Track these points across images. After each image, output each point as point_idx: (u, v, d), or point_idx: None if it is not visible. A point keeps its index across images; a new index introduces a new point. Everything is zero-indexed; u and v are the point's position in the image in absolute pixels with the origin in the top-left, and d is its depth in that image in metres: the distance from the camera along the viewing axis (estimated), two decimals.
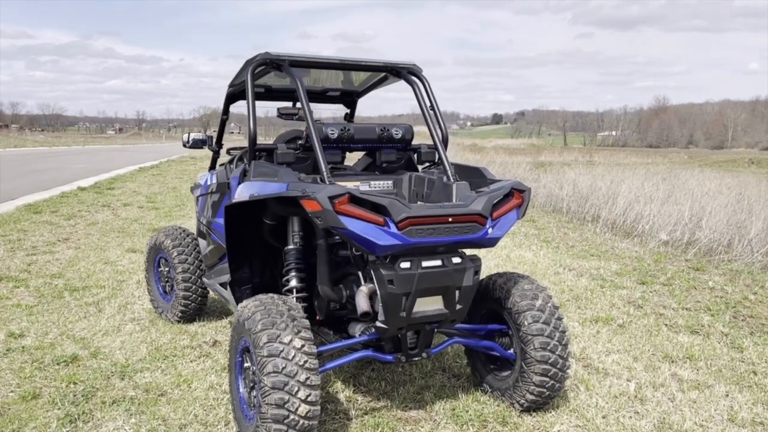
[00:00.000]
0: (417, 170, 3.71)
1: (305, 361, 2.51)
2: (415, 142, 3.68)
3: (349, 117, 4.50)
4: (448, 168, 3.19)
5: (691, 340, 4.38)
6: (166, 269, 4.54)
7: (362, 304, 2.79)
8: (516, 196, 2.95)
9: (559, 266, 6.76)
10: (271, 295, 2.79)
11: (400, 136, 3.52)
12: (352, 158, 4.04)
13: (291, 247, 3.22)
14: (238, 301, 3.43)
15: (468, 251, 2.92)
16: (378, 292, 2.73)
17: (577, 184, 11.84)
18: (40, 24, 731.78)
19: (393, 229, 2.60)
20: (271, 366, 2.48)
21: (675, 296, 5.70)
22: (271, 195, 2.86)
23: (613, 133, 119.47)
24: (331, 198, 2.54)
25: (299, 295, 3.18)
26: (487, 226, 2.79)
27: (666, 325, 4.77)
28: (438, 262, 2.77)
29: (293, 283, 3.18)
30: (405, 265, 2.70)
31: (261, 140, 3.53)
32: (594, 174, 12.85)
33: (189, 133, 4.40)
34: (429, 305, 2.81)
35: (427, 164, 3.64)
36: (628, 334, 4.47)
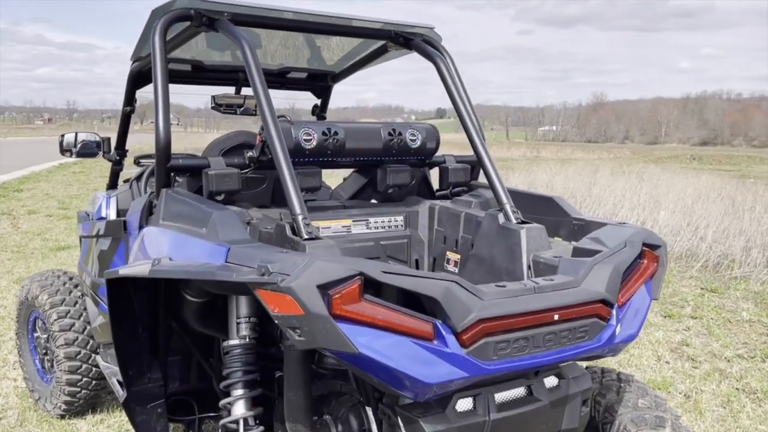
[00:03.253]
0: (434, 196, 2.38)
1: None
2: None
3: (320, 111, 3.12)
4: (504, 198, 1.87)
5: None
6: (45, 336, 3.03)
7: None
8: (648, 258, 1.66)
9: None
10: None
11: (418, 143, 2.17)
12: (328, 175, 2.69)
13: (235, 342, 1.80)
14: (140, 428, 1.98)
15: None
16: None
17: (552, 185, 10.80)
18: None
19: (452, 345, 1.26)
20: None
21: (715, 336, 4.63)
22: (190, 275, 1.46)
23: (554, 128, 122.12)
24: (324, 289, 1.19)
25: (252, 430, 1.78)
26: (613, 323, 1.48)
27: (738, 389, 3.62)
28: (521, 392, 1.46)
29: (239, 410, 1.77)
30: (465, 405, 1.38)
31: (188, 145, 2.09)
32: (566, 175, 11.85)
33: (76, 134, 2.90)
34: None
35: (452, 187, 2.32)
36: (705, 412, 3.28)
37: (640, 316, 1.58)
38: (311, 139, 1.91)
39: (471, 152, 2.12)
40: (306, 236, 1.46)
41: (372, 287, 1.25)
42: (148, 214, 1.86)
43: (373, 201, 2.34)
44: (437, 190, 2.43)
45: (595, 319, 1.44)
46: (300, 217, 1.49)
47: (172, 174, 1.85)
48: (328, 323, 1.18)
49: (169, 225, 1.69)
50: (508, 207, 1.85)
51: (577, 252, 1.63)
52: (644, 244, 1.65)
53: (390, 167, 2.13)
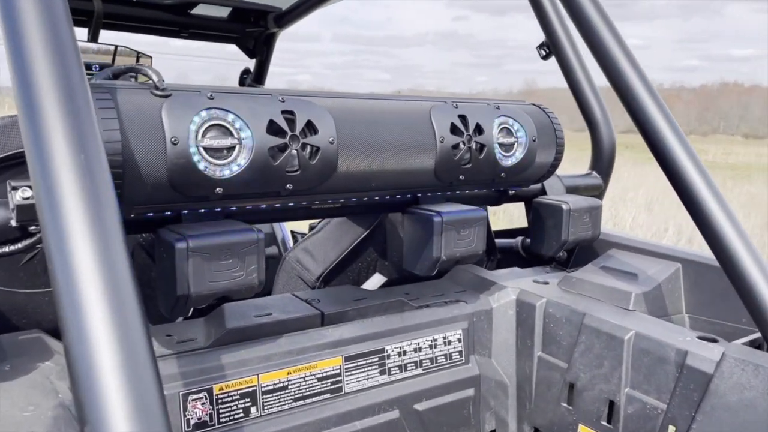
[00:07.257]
0: (496, 252, 1.17)
1: None
2: None
3: (254, 80, 1.84)
4: None
5: None
6: None
7: None
8: None
9: None
10: None
11: (521, 153, 0.97)
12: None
13: None
14: None
15: None
16: None
17: None
18: None
19: None
20: None
21: None
22: None
23: None
24: None
25: None
26: None
27: None
28: None
29: None
30: None
31: None
32: None
33: None
34: None
35: (564, 249, 1.10)
36: None
37: None
38: (234, 150, 0.65)
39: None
40: None
41: None
42: None
43: (378, 277, 1.09)
44: (498, 234, 1.24)
45: None
46: None
47: None
48: None
49: None
50: None
51: None
52: None
53: (448, 214, 0.88)
